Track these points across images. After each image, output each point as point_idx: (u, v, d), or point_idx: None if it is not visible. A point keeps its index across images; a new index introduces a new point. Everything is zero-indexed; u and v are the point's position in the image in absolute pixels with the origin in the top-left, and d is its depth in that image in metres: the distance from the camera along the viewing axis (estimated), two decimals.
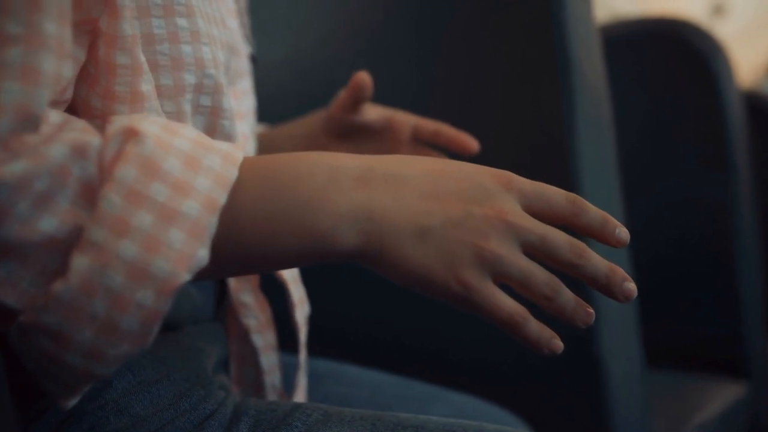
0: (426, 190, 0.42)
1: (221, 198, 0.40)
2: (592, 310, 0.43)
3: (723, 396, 1.04)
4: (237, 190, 0.42)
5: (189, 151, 0.40)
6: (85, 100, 0.46)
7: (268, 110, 0.92)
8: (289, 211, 0.42)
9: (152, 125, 0.40)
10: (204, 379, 0.51)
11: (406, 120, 0.71)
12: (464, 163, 0.43)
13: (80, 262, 0.38)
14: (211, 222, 0.39)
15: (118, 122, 0.40)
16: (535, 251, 0.42)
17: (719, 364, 1.10)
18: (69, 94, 0.44)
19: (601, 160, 0.80)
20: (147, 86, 0.46)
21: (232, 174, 0.41)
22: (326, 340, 0.90)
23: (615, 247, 0.44)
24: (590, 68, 0.78)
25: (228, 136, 0.53)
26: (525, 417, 0.81)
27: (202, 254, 0.39)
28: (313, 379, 0.69)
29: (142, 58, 0.46)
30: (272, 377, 0.59)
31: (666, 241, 1.14)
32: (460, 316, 0.86)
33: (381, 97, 0.81)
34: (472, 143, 0.70)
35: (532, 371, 0.83)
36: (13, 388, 0.45)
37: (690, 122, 1.11)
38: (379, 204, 0.41)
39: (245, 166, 0.43)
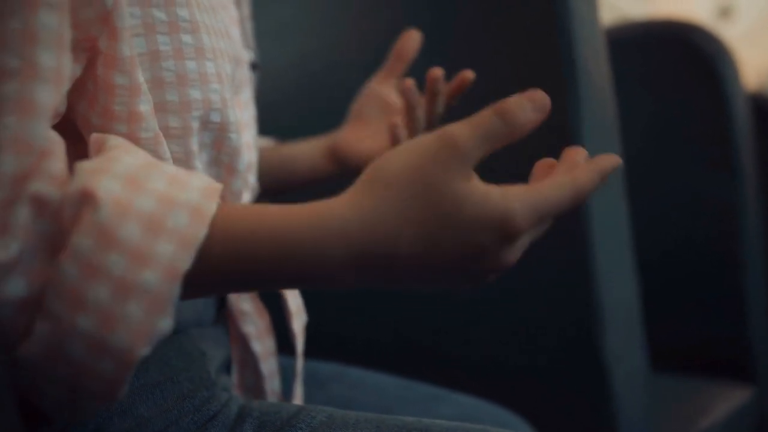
0: (418, 265, 0.40)
1: (185, 264, 0.38)
2: None
3: (729, 400, 1.04)
4: (207, 251, 0.40)
5: (152, 211, 0.39)
6: (84, 117, 0.46)
7: (274, 115, 0.92)
8: (270, 284, 0.42)
9: (113, 182, 0.39)
10: (207, 381, 0.51)
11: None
12: (462, 218, 0.39)
13: (41, 330, 0.38)
14: (172, 291, 0.38)
15: (78, 180, 0.39)
16: None
17: (725, 367, 1.09)
18: (62, 109, 0.44)
19: None
20: (145, 106, 0.46)
21: (201, 233, 0.39)
22: (330, 343, 0.90)
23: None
24: (596, 70, 0.78)
25: (235, 149, 0.53)
26: (529, 419, 0.81)
27: (163, 325, 0.38)
28: (317, 381, 0.69)
29: (141, 79, 0.45)
30: (272, 383, 0.59)
31: (671, 243, 1.14)
32: (464, 318, 0.86)
33: None
34: (467, 75, 0.68)
35: (537, 373, 0.83)
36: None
37: (696, 124, 1.11)
38: (376, 281, 0.41)
39: (218, 222, 0.41)
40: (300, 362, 0.61)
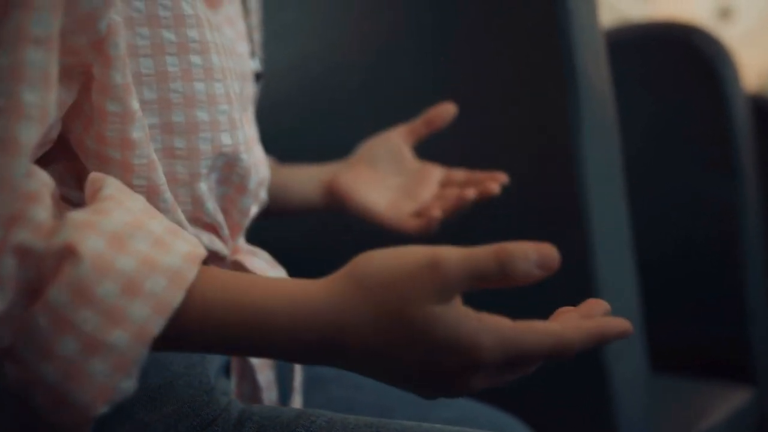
0: (383, 371, 0.40)
1: (156, 327, 0.39)
2: None
3: (729, 400, 1.04)
4: (181, 316, 0.40)
5: (131, 272, 0.39)
6: (80, 139, 0.46)
7: (275, 117, 0.92)
8: (242, 353, 0.43)
9: (97, 239, 0.39)
10: (207, 386, 0.51)
11: (438, 169, 0.73)
12: (430, 340, 0.38)
13: (9, 371, 0.39)
14: (140, 353, 0.38)
15: (64, 233, 0.39)
16: None
17: (725, 368, 1.09)
18: (54, 135, 0.44)
19: (607, 163, 0.80)
20: (138, 133, 0.46)
21: (176, 299, 0.39)
22: None
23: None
24: (595, 72, 0.78)
25: (246, 169, 0.53)
26: (529, 421, 0.81)
27: (125, 386, 0.39)
28: (318, 382, 0.69)
29: (135, 106, 0.45)
30: (269, 394, 0.59)
31: (671, 244, 1.14)
32: None
33: (387, 105, 0.82)
34: (502, 178, 0.68)
35: (537, 375, 0.82)
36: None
37: (696, 125, 1.11)
38: (338, 365, 0.42)
39: (197, 289, 0.41)
40: (298, 378, 0.61)
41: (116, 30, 0.44)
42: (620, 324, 0.39)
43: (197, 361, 0.52)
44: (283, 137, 0.94)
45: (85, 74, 0.45)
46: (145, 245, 0.40)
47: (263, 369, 0.59)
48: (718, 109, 1.09)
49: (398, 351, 0.39)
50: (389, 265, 0.40)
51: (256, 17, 0.68)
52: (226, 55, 0.51)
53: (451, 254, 0.38)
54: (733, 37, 1.86)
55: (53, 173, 0.47)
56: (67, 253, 0.38)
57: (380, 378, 0.41)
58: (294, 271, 0.63)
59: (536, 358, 0.39)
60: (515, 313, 0.83)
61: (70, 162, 0.48)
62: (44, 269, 0.39)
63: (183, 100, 0.48)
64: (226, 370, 0.60)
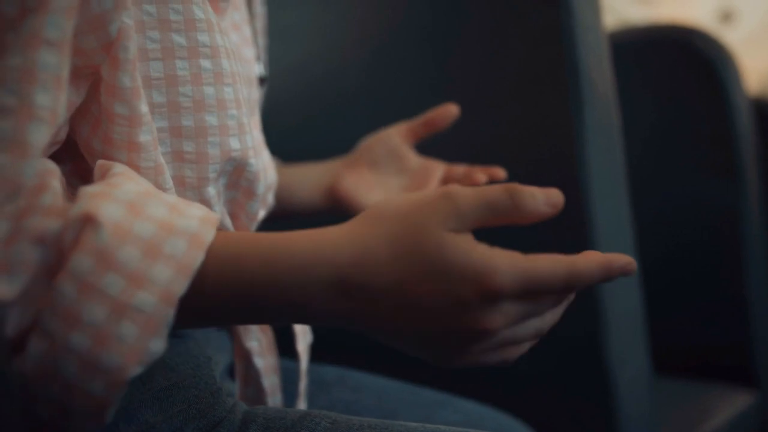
0: (402, 307, 0.40)
1: (181, 289, 0.39)
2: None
3: (732, 404, 1.04)
4: (203, 277, 0.41)
5: (150, 237, 0.39)
6: (87, 141, 0.46)
7: (276, 119, 0.92)
8: (263, 313, 0.42)
9: (115, 207, 0.40)
10: (213, 387, 0.51)
11: (439, 165, 0.73)
12: (444, 264, 0.39)
13: (35, 348, 0.38)
14: (167, 314, 0.39)
15: (81, 203, 0.40)
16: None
17: (728, 372, 1.09)
18: (62, 136, 0.44)
19: (610, 166, 0.80)
20: (146, 137, 0.46)
21: (197, 260, 0.40)
22: (333, 346, 0.90)
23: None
24: (599, 76, 0.78)
25: (255, 174, 0.53)
26: (532, 423, 0.81)
27: (156, 346, 0.39)
28: (320, 385, 0.69)
29: (143, 110, 0.45)
30: (274, 398, 0.59)
31: (674, 248, 1.14)
32: None
33: (388, 106, 0.82)
34: (500, 174, 0.70)
35: (540, 377, 0.83)
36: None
37: (698, 129, 1.11)
38: (357, 316, 0.41)
39: (215, 249, 0.41)
40: (303, 383, 0.61)
41: (127, 34, 0.44)
42: (625, 257, 0.40)
43: (203, 363, 0.52)
44: (284, 139, 0.94)
45: (93, 75, 0.45)
46: (161, 211, 0.41)
47: (269, 373, 0.59)
48: (720, 113, 1.09)
49: (415, 284, 0.39)
50: (404, 201, 0.41)
51: (261, 22, 0.68)
52: (235, 59, 0.51)
53: (464, 188, 0.40)
54: (735, 40, 1.86)
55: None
56: (87, 222, 0.39)
57: (398, 324, 0.40)
58: None
59: (551, 287, 0.39)
60: None
61: (77, 163, 0.48)
62: (64, 243, 0.39)
63: (192, 104, 0.48)
64: (231, 374, 0.60)
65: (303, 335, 0.61)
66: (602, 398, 0.79)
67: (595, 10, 0.79)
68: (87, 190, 0.40)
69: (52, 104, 0.39)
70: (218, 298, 0.41)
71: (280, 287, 0.41)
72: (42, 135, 0.39)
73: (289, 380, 0.64)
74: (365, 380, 0.70)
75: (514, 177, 0.70)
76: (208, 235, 0.41)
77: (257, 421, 0.50)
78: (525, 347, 0.43)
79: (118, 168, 0.44)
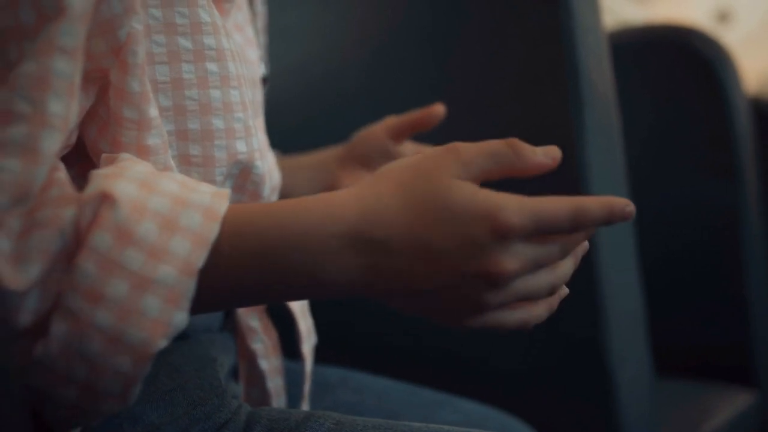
0: (415, 253, 0.40)
1: (200, 260, 0.39)
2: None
3: (732, 404, 1.04)
4: (218, 248, 0.41)
5: (166, 211, 0.40)
6: (94, 143, 0.46)
7: (276, 119, 0.92)
8: (278, 277, 0.42)
9: (129, 184, 0.40)
10: (218, 389, 0.51)
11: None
12: (452, 204, 0.40)
13: (58, 329, 0.39)
14: (189, 286, 0.39)
15: (95, 184, 0.40)
16: (535, 271, 0.42)
17: (728, 372, 1.09)
18: (72, 140, 0.44)
19: (610, 167, 0.80)
20: (154, 140, 0.46)
21: (213, 232, 0.40)
22: (335, 348, 0.90)
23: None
24: (599, 76, 0.79)
25: (260, 176, 0.53)
26: (533, 424, 0.81)
27: (179, 319, 0.39)
28: (323, 386, 0.69)
29: (152, 114, 0.45)
30: (278, 400, 0.59)
31: (673, 249, 1.14)
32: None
33: (389, 106, 0.82)
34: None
35: (541, 377, 0.83)
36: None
37: (697, 129, 1.11)
38: (370, 271, 0.41)
39: (229, 219, 0.42)
40: (307, 385, 0.61)
41: (136, 38, 0.44)
42: (623, 199, 0.42)
43: (208, 364, 0.52)
44: (284, 139, 0.93)
45: (102, 79, 0.45)
46: (173, 186, 0.41)
47: (273, 375, 0.59)
48: (719, 113, 1.09)
49: (426, 230, 0.40)
50: (411, 160, 0.42)
51: (261, 21, 0.68)
52: (241, 61, 0.51)
53: (466, 143, 0.42)
54: (731, 40, 1.87)
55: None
56: (104, 200, 0.39)
57: (415, 276, 0.40)
58: None
59: (558, 222, 0.40)
60: None
61: (84, 165, 0.48)
62: (80, 224, 0.39)
63: (198, 108, 0.48)
64: (234, 376, 0.60)
65: (308, 337, 0.61)
66: (603, 398, 0.79)
67: (595, 10, 0.79)
68: (98, 173, 0.41)
69: (65, 112, 0.40)
70: (234, 269, 0.41)
71: (294, 249, 0.41)
72: (54, 143, 0.39)
73: (293, 382, 0.64)
74: (367, 381, 0.70)
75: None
76: (222, 208, 0.41)
77: (261, 422, 0.50)
78: (541, 311, 0.43)
79: (125, 155, 0.44)
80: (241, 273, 0.41)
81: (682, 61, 1.11)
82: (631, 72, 1.13)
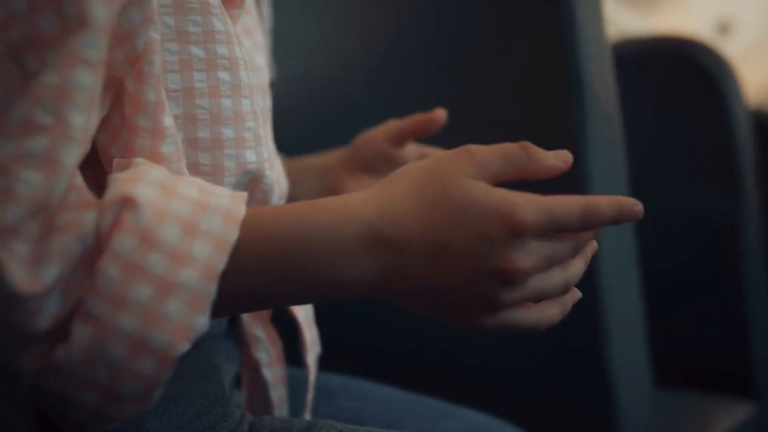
0: (431, 252, 0.40)
1: (221, 264, 0.40)
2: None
3: (731, 415, 1.04)
4: (237, 251, 0.41)
5: (187, 216, 0.40)
6: (105, 149, 0.46)
7: (282, 123, 0.92)
8: (295, 279, 0.42)
9: (149, 188, 0.40)
10: (222, 398, 0.51)
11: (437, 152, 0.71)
12: (467, 204, 0.40)
13: (80, 333, 0.38)
14: (210, 290, 0.39)
15: (115, 188, 0.40)
16: (547, 269, 0.42)
17: (727, 383, 1.10)
18: (87, 148, 0.44)
19: (613, 177, 0.80)
20: (169, 148, 0.46)
21: (233, 235, 0.41)
22: (337, 354, 0.90)
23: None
24: (602, 85, 0.79)
25: (269, 186, 0.53)
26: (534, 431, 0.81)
27: (201, 322, 0.39)
28: (324, 394, 0.69)
29: (167, 123, 0.45)
30: (281, 410, 0.59)
31: (673, 259, 1.14)
32: (469, 331, 0.86)
33: (392, 111, 0.82)
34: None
35: (542, 387, 0.83)
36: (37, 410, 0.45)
37: (697, 140, 1.11)
38: (385, 270, 0.41)
39: (247, 222, 0.42)
40: (310, 395, 0.61)
41: (153, 48, 0.43)
42: (631, 199, 0.42)
43: (211, 373, 0.52)
44: (288, 145, 0.94)
45: (117, 87, 0.44)
46: (192, 190, 0.42)
47: (276, 385, 0.58)
48: (720, 124, 1.09)
49: (441, 228, 0.40)
50: (426, 162, 0.43)
51: (267, 24, 0.68)
52: (252, 70, 0.51)
53: (480, 146, 0.43)
54: (732, 51, 1.87)
55: None
56: (125, 203, 0.39)
57: (428, 289, 0.41)
58: None
59: (570, 219, 0.40)
60: None
61: (94, 170, 0.48)
62: (102, 228, 0.39)
63: (209, 117, 0.48)
64: (237, 384, 0.60)
65: (312, 347, 0.61)
66: (604, 408, 0.79)
67: (598, 20, 0.79)
68: (117, 177, 0.41)
69: (85, 124, 0.39)
70: (252, 272, 0.42)
71: (311, 249, 0.41)
72: (74, 155, 0.39)
73: (295, 390, 0.64)
74: (369, 389, 0.70)
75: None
76: (240, 211, 0.42)
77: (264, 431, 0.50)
78: (554, 311, 0.43)
79: (139, 160, 0.44)
80: (258, 276, 0.42)
81: (683, 73, 1.12)
82: (633, 82, 1.14)
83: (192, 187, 0.42)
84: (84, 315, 0.38)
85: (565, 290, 0.43)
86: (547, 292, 0.42)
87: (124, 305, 0.38)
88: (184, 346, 0.39)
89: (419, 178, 0.42)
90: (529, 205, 0.40)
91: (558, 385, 0.82)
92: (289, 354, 0.64)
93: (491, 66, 0.82)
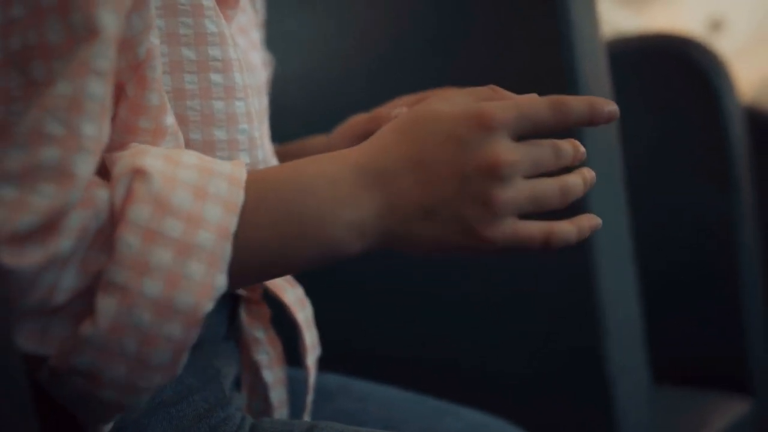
0: (417, 173, 0.42)
1: (233, 224, 0.41)
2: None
3: (728, 412, 1.04)
4: (244, 212, 0.42)
5: (194, 181, 0.41)
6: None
7: (280, 124, 0.92)
8: (299, 228, 0.43)
9: (155, 159, 0.41)
10: (223, 401, 0.51)
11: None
12: (437, 114, 0.43)
13: (106, 305, 0.39)
14: (226, 249, 0.40)
15: (123, 162, 0.41)
16: (532, 173, 0.44)
17: (724, 381, 1.10)
18: (100, 156, 0.44)
19: (609, 177, 0.80)
20: (169, 146, 0.46)
21: (240, 197, 0.42)
22: (337, 355, 0.90)
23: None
24: (597, 85, 0.79)
25: None
26: (532, 430, 0.81)
27: (221, 280, 0.40)
28: (324, 394, 0.69)
29: (169, 122, 0.45)
30: (281, 412, 0.59)
31: (669, 258, 1.14)
32: (468, 331, 0.86)
33: None
34: None
35: (542, 386, 0.83)
36: (41, 414, 0.45)
37: (692, 137, 1.11)
38: (380, 202, 0.43)
39: (249, 183, 0.43)
40: (310, 397, 0.61)
41: (154, 54, 0.43)
42: (607, 100, 0.44)
43: (212, 376, 0.52)
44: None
45: (117, 92, 0.44)
46: (194, 159, 0.42)
47: (277, 386, 0.58)
48: (714, 122, 1.09)
49: (421, 147, 0.43)
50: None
51: (260, 16, 0.68)
52: (248, 71, 0.51)
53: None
54: (725, 49, 1.88)
55: None
56: (136, 174, 0.40)
57: (425, 212, 0.42)
58: (307, 279, 0.63)
59: (539, 113, 0.43)
60: (521, 326, 0.83)
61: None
62: (114, 202, 0.40)
63: (200, 118, 0.48)
64: (237, 386, 0.60)
65: (312, 349, 0.61)
66: (603, 407, 0.79)
67: (593, 20, 0.79)
68: (122, 153, 0.42)
69: (98, 134, 0.39)
70: (262, 227, 0.42)
71: (310, 197, 0.43)
72: (88, 166, 0.39)
73: (294, 391, 0.64)
74: (369, 389, 0.70)
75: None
76: (243, 174, 0.43)
77: None
78: (566, 227, 0.44)
79: (134, 144, 0.44)
80: (267, 232, 0.43)
81: (677, 70, 1.12)
82: (627, 81, 1.14)
83: (193, 157, 0.43)
84: (107, 286, 0.39)
85: (563, 198, 0.44)
86: (543, 197, 0.43)
87: (147, 271, 0.39)
88: (209, 305, 0.40)
89: (397, 122, 0.44)
90: (497, 103, 0.42)
91: (557, 385, 0.82)
92: (288, 356, 0.63)
93: (487, 65, 0.82)
